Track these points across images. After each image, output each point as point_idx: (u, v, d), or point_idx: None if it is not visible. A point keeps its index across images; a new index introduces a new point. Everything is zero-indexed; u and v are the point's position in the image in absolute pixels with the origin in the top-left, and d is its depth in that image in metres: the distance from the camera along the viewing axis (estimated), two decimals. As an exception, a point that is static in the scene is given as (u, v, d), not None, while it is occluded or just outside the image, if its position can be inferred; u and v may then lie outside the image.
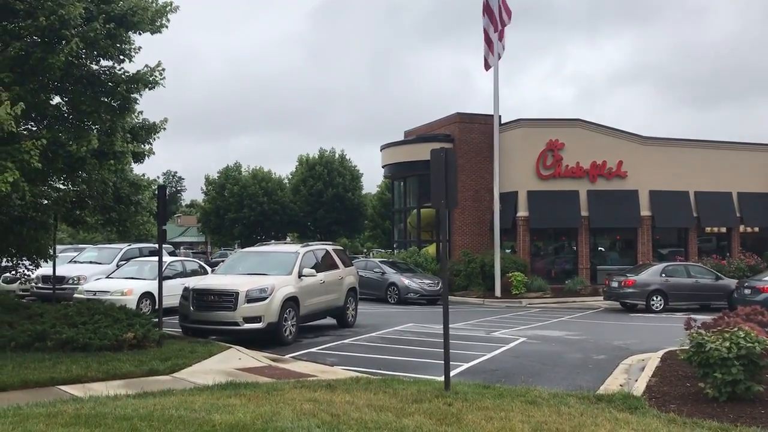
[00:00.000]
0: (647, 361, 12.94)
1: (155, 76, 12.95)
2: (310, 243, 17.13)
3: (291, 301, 14.71)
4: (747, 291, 21.12)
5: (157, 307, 18.51)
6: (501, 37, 28.28)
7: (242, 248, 59.17)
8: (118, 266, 21.61)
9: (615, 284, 24.30)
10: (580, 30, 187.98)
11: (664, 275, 24.00)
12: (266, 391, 8.91)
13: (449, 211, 31.39)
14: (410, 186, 33.98)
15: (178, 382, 10.42)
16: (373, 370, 11.56)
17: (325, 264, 16.76)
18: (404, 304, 25.50)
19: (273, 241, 46.19)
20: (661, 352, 12.89)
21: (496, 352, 13.86)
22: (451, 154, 9.15)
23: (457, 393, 8.80)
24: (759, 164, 32.92)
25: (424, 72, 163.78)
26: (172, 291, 19.58)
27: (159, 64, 12.92)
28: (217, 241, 63.80)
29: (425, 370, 11.70)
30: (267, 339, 14.27)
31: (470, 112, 32.29)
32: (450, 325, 18.25)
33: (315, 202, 56.34)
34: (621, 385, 10.66)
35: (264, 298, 14.08)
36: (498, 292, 27.57)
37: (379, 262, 27.59)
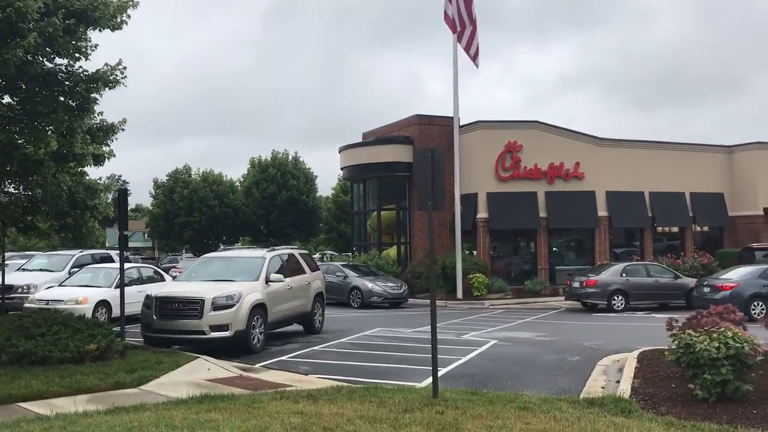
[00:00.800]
0: (622, 361, 12.92)
1: (116, 75, 12.35)
2: (275, 247, 16.69)
3: (259, 308, 14.25)
4: (706, 289, 21.46)
5: (113, 316, 17.98)
6: (461, 38, 28.22)
7: (192, 253, 58.44)
8: (70, 274, 20.71)
9: (576, 284, 24.44)
10: (528, 34, 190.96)
11: (624, 275, 24.23)
12: (246, 404, 8.49)
13: (409, 213, 31.34)
14: (370, 188, 33.68)
15: (148, 395, 9.91)
16: (351, 378, 11.22)
17: (291, 269, 16.33)
18: (367, 308, 25.18)
19: (238, 245, 45.29)
20: (635, 353, 12.87)
21: (471, 355, 13.67)
22: (438, 154, 8.88)
23: (446, 400, 8.53)
24: (710, 165, 33.73)
25: (376, 75, 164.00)
26: (130, 299, 18.86)
27: (120, 62, 12.33)
28: (165, 246, 62.24)
29: (404, 377, 11.42)
30: (235, 348, 13.78)
31: (428, 113, 32.15)
32: (418, 329, 18.28)
33: (268, 206, 55.52)
34: (603, 387, 10.58)
35: (231, 306, 13.58)
36: (460, 294, 27.50)
37: (341, 265, 27.21)
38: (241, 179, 60.14)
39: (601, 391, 10.30)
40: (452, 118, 31.11)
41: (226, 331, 13.47)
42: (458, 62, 28.22)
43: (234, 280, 14.59)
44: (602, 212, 30.67)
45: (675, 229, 33.36)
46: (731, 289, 20.70)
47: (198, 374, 11.58)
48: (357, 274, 26.41)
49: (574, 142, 30.73)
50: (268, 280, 14.81)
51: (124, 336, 13.20)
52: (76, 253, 22.63)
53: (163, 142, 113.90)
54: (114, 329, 13.12)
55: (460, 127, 29.23)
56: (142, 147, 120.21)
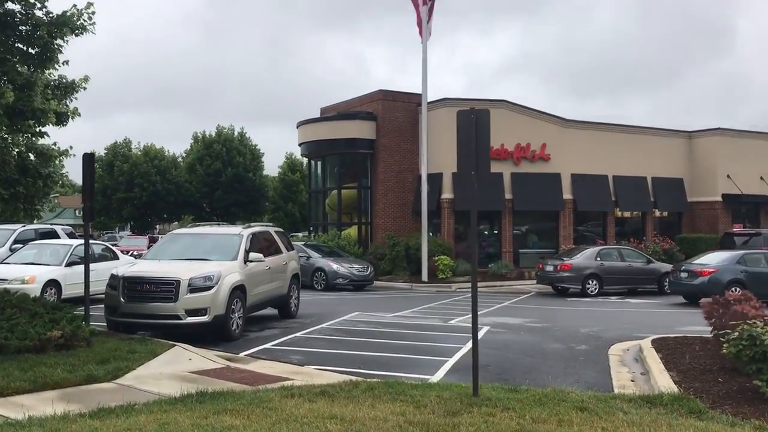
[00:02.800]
0: (633, 350, 12.23)
1: (83, 21, 10.70)
2: (251, 224, 15.28)
3: (238, 291, 12.89)
4: (684, 275, 21.09)
5: (63, 296, 16.25)
6: (430, 16, 27.07)
7: (132, 231, 55.65)
8: (11, 250, 18.76)
9: (550, 268, 23.86)
10: (472, 20, 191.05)
11: (599, 259, 23.77)
12: (255, 404, 7.23)
13: (371, 192, 30.15)
14: (330, 165, 32.29)
15: (128, 391, 8.51)
16: (353, 370, 10.07)
17: (268, 248, 14.97)
18: (332, 290, 23.95)
19: (176, 224, 43.17)
20: (647, 342, 12.12)
21: (471, 343, 12.64)
22: (484, 116, 7.70)
23: (490, 399, 7.48)
24: (671, 150, 33.70)
25: (320, 55, 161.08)
26: (81, 278, 17.18)
27: (90, 5, 10.67)
28: (98, 224, 58.91)
29: (412, 368, 10.32)
30: (212, 334, 12.41)
31: (393, 89, 30.93)
32: (397, 314, 17.19)
33: (213, 183, 53.39)
34: (632, 381, 9.79)
35: (210, 287, 12.18)
36: (425, 277, 26.58)
37: (303, 245, 25.78)
38: (184, 155, 57.69)
39: (632, 384, 9.51)
40: (416, 94, 30.14)
41: (204, 315, 12.08)
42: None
43: (209, 259, 13.17)
44: (567, 195, 30.20)
45: (636, 214, 33.24)
46: (710, 274, 20.36)
47: (179, 365, 10.19)
48: (320, 255, 25.12)
49: (541, 122, 30.09)
50: (246, 260, 13.43)
51: (89, 321, 11.63)
52: (18, 228, 20.58)
53: (97, 116, 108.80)
54: (76, 312, 11.55)
55: (427, 104, 28.13)
56: (76, 119, 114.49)
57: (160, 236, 49.39)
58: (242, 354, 11.41)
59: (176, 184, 53.10)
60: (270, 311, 15.73)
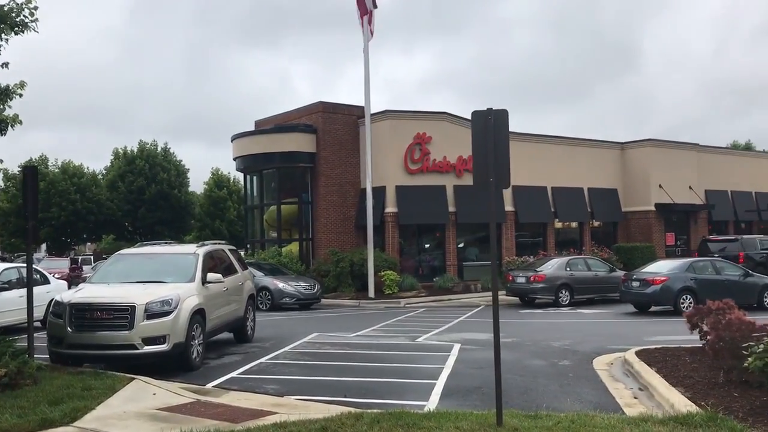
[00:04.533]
0: (617, 364, 11.87)
1: (24, 17, 9.51)
2: (204, 242, 14.12)
3: (198, 315, 11.79)
4: (636, 283, 21.12)
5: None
6: (370, 22, 26.54)
7: (49, 253, 52.34)
8: None
9: (522, 279, 23.77)
10: (394, 37, 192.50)
11: (569, 269, 23.92)
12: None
13: (312, 207, 29.22)
14: (267, 180, 31.14)
15: (94, 437, 7.40)
16: (338, 399, 9.23)
17: (224, 267, 13.89)
18: (278, 310, 22.86)
19: (90, 245, 40.56)
20: (630, 354, 11.76)
21: (450, 363, 11.99)
22: (503, 117, 7.05)
23: (517, 429, 6.79)
24: (606, 161, 34.29)
25: (243, 72, 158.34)
26: (10, 305, 15.69)
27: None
28: (9, 246, 55.13)
29: (401, 394, 9.54)
30: (171, 364, 11.27)
31: (333, 101, 30.16)
32: (358, 333, 16.37)
33: (136, 200, 51.13)
34: (635, 398, 9.32)
35: (168, 313, 11.04)
36: (372, 293, 25.81)
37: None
38: (104, 172, 55.03)
39: (637, 402, 9.07)
40: (357, 106, 29.55)
41: (163, 344, 10.92)
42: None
43: (164, 281, 12.01)
44: (509, 207, 30.15)
45: (575, 224, 33.56)
46: (662, 283, 20.45)
47: (144, 401, 9.07)
48: (263, 273, 23.95)
49: (483, 134, 29.91)
50: (204, 281, 12.34)
51: (33, 355, 10.30)
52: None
53: (8, 132, 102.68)
54: (18, 345, 10.21)
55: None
56: (13, 127, 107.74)
57: (80, 257, 46.69)
58: (209, 385, 10.35)
59: (97, 203, 50.52)
60: (223, 335, 14.61)
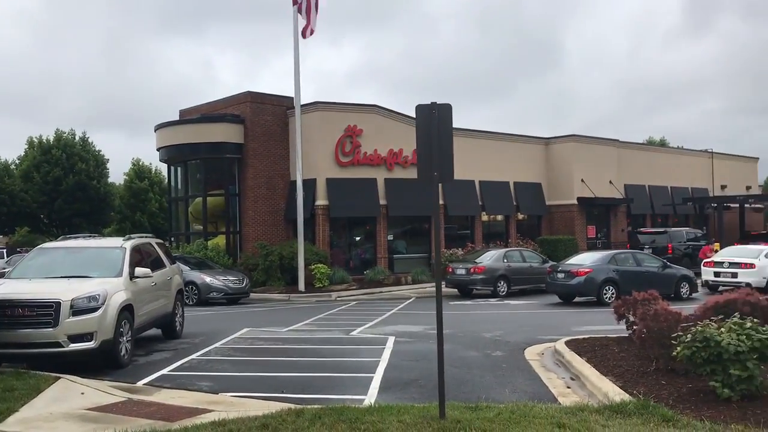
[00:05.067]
0: (548, 354, 12.16)
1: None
2: (132, 235, 13.62)
3: (126, 311, 11.37)
4: (561, 275, 21.69)
5: None
6: (304, 11, 26.16)
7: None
8: None
9: (462, 271, 24.19)
10: (322, 28, 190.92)
11: (506, 260, 24.48)
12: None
13: (239, 200, 28.73)
14: (192, 171, 30.39)
15: (19, 441, 7.04)
16: (275, 395, 9.08)
17: (152, 261, 13.45)
18: (205, 305, 22.40)
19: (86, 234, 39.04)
20: (560, 344, 12.07)
21: (386, 356, 11.98)
22: (447, 112, 7.05)
23: (460, 422, 6.82)
24: (531, 155, 35.06)
25: (166, 60, 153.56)
26: None
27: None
28: None
29: (338, 388, 9.48)
30: (98, 362, 10.84)
31: (261, 91, 29.67)
32: (291, 327, 16.20)
33: (52, 191, 48.95)
34: (568, 388, 9.57)
35: (95, 309, 10.60)
36: (302, 287, 25.58)
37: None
38: (18, 162, 52.50)
39: (570, 392, 9.31)
40: (286, 97, 29.23)
41: (90, 341, 10.48)
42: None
43: (90, 276, 11.53)
44: (440, 200, 30.41)
45: (501, 217, 34.20)
46: (586, 274, 21.08)
47: (71, 401, 8.69)
48: (190, 267, 23.37)
49: (412, 128, 29.79)
50: (132, 276, 11.92)
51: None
52: None
53: None
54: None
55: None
56: None
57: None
58: (140, 383, 10.02)
59: (9, 194, 48.12)
60: (151, 332, 14.16)
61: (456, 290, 25.00)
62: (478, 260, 24.55)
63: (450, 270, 24.85)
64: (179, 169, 30.88)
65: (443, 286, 24.82)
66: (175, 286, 14.51)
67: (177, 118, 32.26)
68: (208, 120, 29.14)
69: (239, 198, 28.94)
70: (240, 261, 27.71)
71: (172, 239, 31.35)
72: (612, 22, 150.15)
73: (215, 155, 28.87)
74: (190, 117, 30.82)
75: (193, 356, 12.23)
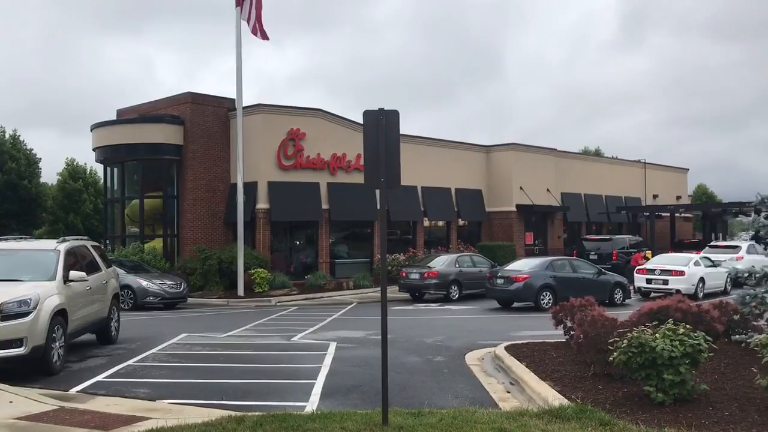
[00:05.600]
0: (488, 359, 12.28)
1: None
2: (66, 238, 13.18)
3: (59, 316, 11.00)
4: (500, 281, 22.01)
5: None
6: (248, 11, 25.87)
7: None
8: None
9: (416, 276, 24.48)
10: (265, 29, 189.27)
11: (458, 265, 24.87)
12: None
13: (178, 202, 28.20)
14: (129, 172, 29.66)
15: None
16: (215, 402, 8.94)
17: (87, 265, 13.04)
18: (141, 309, 21.85)
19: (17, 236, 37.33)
20: (499, 350, 12.24)
21: (328, 361, 11.93)
22: (394, 118, 7.07)
23: (402, 428, 6.84)
24: (472, 163, 35.52)
25: (103, 58, 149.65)
26: None
27: None
28: None
29: (279, 395, 9.38)
30: (30, 369, 10.45)
31: (202, 92, 29.19)
32: (229, 333, 15.97)
33: (-21, 191, 46.99)
34: (508, 392, 9.69)
35: (26, 314, 10.21)
36: (241, 291, 25.23)
37: (107, 260, 23.16)
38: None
39: (510, 396, 9.43)
40: (227, 98, 28.89)
41: (20, 347, 10.09)
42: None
43: (21, 279, 11.13)
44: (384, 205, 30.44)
45: (442, 223, 34.52)
46: (524, 280, 21.46)
47: (0, 410, 8.34)
48: (126, 271, 22.76)
49: (356, 133, 29.91)
50: (66, 279, 11.54)
51: None
52: None
53: None
54: None
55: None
56: None
57: None
58: (73, 390, 9.70)
59: (-68, 193, 45.99)
60: (85, 337, 13.74)
61: (408, 294, 25.24)
62: (431, 265, 24.97)
63: (403, 274, 25.16)
64: (116, 169, 30.09)
65: (393, 290, 25.44)
66: (111, 290, 14.12)
67: (115, 117, 31.44)
68: (146, 120, 28.51)
69: (178, 200, 28.38)
70: (178, 265, 27.17)
71: (108, 242, 30.49)
72: (551, 34, 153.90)
73: (153, 156, 28.26)
74: (128, 117, 30.09)
75: (130, 362, 11.92)
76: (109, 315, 13.91)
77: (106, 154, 29.30)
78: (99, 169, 39.20)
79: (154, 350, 13.20)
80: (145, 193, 28.70)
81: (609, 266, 29.13)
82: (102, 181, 34.19)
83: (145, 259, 26.14)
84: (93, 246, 14.20)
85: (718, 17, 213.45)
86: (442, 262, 25.04)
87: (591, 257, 31.53)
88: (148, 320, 19.25)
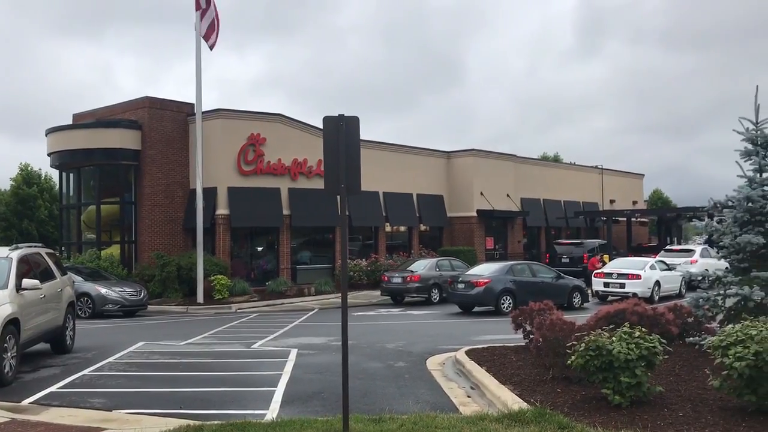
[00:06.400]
0: (449, 363, 12.33)
1: None
2: (19, 245, 12.83)
3: (11, 326, 10.71)
4: (461, 285, 22.13)
5: None
6: (203, 18, 25.67)
7: None
8: None
9: (398, 280, 25.08)
10: (226, 35, 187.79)
11: (438, 269, 25.34)
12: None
13: (136, 208, 27.77)
14: (86, 178, 29.10)
15: None
16: (173, 411, 8.78)
17: (41, 273, 12.74)
18: (100, 317, 21.46)
19: None
20: (460, 354, 12.30)
21: (288, 369, 11.82)
22: (354, 124, 7.06)
23: (363, 434, 6.82)
24: (433, 168, 35.72)
25: (60, 62, 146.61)
26: None
27: None
28: None
29: (239, 403, 9.27)
30: (-22, 380, 10.16)
31: (160, 97, 28.83)
32: (189, 341, 15.77)
33: (-72, 197, 45.68)
34: (468, 397, 9.74)
35: (-24, 324, 9.94)
36: (201, 298, 24.96)
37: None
38: None
39: (470, 401, 9.48)
40: (186, 103, 28.61)
41: (-30, 358, 9.81)
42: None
43: (-30, 288, 10.81)
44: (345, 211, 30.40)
45: (404, 228, 34.61)
46: (485, 284, 21.62)
47: (-52, 424, 8.10)
48: (84, 278, 22.32)
49: (317, 139, 29.92)
50: (19, 288, 11.26)
51: None
52: None
53: None
54: None
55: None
56: None
57: None
58: (26, 402, 9.45)
59: None
60: (39, 346, 13.41)
61: (389, 298, 25.99)
62: (412, 269, 25.64)
63: (385, 278, 25.81)
64: (72, 175, 29.50)
65: (374, 294, 25.89)
66: (66, 299, 13.81)
67: (71, 122, 30.82)
68: (103, 125, 28.02)
69: (135, 206, 27.93)
70: (135, 272, 26.72)
71: (63, 249, 29.88)
72: (511, 42, 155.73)
73: (110, 161, 27.78)
74: (85, 122, 29.55)
75: (85, 372, 11.66)
76: (64, 324, 13.60)
77: (62, 160, 28.72)
78: (54, 174, 38.35)
79: (110, 359, 12.94)
80: (101, 198, 28.19)
81: (580, 269, 29.95)
82: (57, 186, 33.43)
83: (102, 266, 25.66)
84: (47, 253, 13.88)
85: (672, 28, 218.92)
86: (423, 266, 25.71)
87: (563, 260, 32.75)
88: (105, 329, 18.89)
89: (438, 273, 25.36)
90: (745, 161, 12.31)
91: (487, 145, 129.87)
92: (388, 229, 33.80)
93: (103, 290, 21.95)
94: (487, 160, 37.01)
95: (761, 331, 7.68)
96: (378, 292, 27.54)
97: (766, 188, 11.96)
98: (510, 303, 21.30)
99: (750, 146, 12.22)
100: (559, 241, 37.49)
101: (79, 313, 21.32)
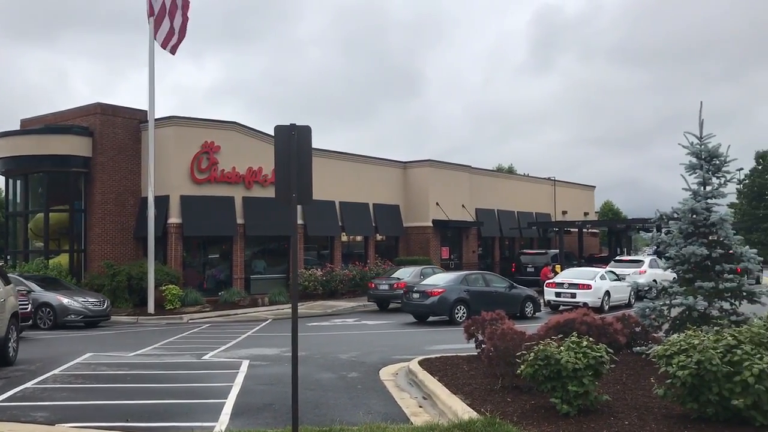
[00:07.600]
0: (402, 374, 12.34)
1: None
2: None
3: (-50, 337, 10.37)
4: (416, 295, 22.19)
5: None
6: (163, 19, 25.34)
7: None
8: None
9: (385, 287, 25.82)
10: (184, 43, 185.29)
11: (422, 277, 25.43)
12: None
13: (85, 216, 27.20)
14: (34, 184, 28.38)
15: None
16: (119, 424, 8.61)
17: (-18, 282, 12.37)
18: (63, 328, 20.88)
19: None
20: (413, 364, 12.33)
21: (239, 380, 11.68)
22: (306, 134, 7.04)
23: (313, 446, 6.77)
24: (389, 178, 35.85)
25: (9, 66, 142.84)
26: None
27: None
28: None
29: (189, 415, 9.12)
30: None
31: (112, 103, 28.32)
32: (137, 352, 15.48)
33: None
34: (420, 407, 9.77)
35: None
36: (151, 309, 24.52)
37: (20, 277, 21.92)
38: None
39: (422, 411, 9.51)
40: (139, 110, 28.18)
41: None
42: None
43: None
44: (300, 220, 30.30)
45: (360, 238, 34.59)
46: (439, 294, 21.73)
47: None
48: (43, 288, 21.70)
49: (272, 147, 29.75)
50: (-41, 299, 10.90)
51: None
52: None
53: None
54: None
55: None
56: None
57: None
58: (-37, 417, 9.13)
59: None
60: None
61: (375, 305, 26.70)
62: (398, 276, 26.44)
63: (372, 286, 26.72)
64: (19, 182, 28.74)
65: (360, 301, 26.58)
66: (9, 309, 13.43)
67: (18, 127, 30.05)
68: (52, 131, 27.36)
69: (85, 214, 27.33)
70: (85, 281, 26.12)
71: (9, 257, 29.06)
72: (468, 56, 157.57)
73: (60, 168, 27.17)
74: (33, 127, 28.82)
75: (28, 384, 11.33)
76: (7, 335, 13.21)
77: (8, 166, 27.98)
78: (0, 181, 37.36)
79: (55, 371, 12.60)
80: (50, 206, 27.52)
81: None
82: (3, 193, 32.51)
83: (50, 275, 24.99)
84: (-10, 262, 13.47)
85: (622, 45, 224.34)
86: (408, 274, 26.62)
87: (528, 269, 33.72)
88: (53, 339, 18.40)
89: (421, 280, 25.39)
90: (690, 174, 12.66)
91: (443, 156, 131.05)
92: (344, 238, 33.73)
93: (66, 300, 21.34)
94: (442, 171, 37.29)
95: (703, 340, 7.87)
96: (333, 302, 27.39)
97: (709, 201, 12.31)
98: (464, 313, 21.41)
99: (695, 160, 12.58)
100: (525, 251, 38.55)
101: (40, 324, 20.96)
